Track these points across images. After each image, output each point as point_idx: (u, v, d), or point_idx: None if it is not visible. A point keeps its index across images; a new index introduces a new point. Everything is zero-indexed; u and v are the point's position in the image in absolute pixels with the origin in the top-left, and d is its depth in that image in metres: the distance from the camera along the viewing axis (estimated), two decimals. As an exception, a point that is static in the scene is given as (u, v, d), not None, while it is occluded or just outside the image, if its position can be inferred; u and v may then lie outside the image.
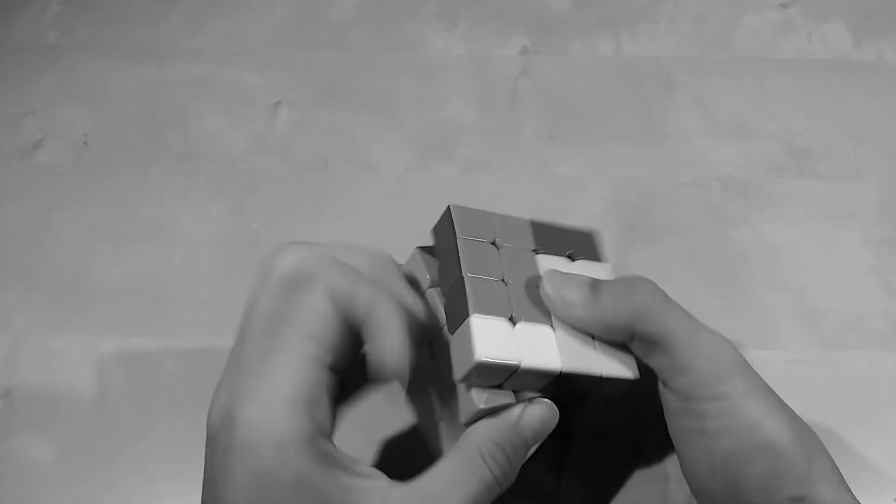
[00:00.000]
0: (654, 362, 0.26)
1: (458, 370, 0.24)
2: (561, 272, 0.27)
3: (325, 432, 0.22)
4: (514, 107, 0.48)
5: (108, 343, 0.40)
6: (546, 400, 0.26)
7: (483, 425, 0.24)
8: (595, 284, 0.27)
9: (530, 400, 0.26)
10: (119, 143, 0.47)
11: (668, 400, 0.26)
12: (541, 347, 0.25)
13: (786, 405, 0.25)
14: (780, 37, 0.50)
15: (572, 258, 0.30)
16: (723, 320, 0.40)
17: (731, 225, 0.43)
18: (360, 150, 0.46)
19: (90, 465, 0.36)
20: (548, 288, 0.26)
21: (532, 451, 0.25)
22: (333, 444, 0.22)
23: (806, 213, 0.43)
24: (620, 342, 0.27)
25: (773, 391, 0.26)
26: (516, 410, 0.25)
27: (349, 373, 0.24)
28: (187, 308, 0.41)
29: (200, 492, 0.24)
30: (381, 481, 0.22)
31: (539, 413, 0.25)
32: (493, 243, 0.28)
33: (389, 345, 0.22)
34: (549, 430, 0.26)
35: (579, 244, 0.31)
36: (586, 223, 0.43)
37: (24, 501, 0.36)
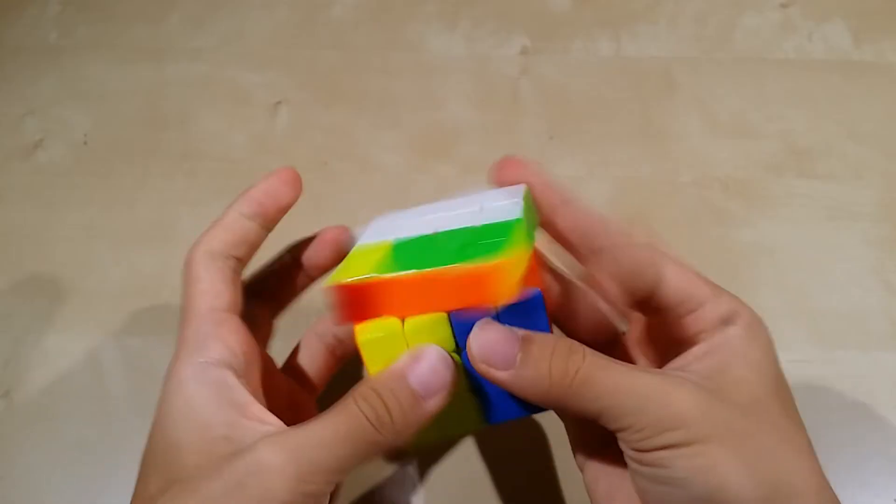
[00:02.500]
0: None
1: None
2: (493, 325, 0.24)
3: (227, 364, 0.24)
4: (514, 107, 0.48)
5: (108, 343, 0.40)
6: (434, 346, 0.24)
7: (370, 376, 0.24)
8: (526, 341, 0.23)
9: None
10: (119, 143, 0.47)
11: (621, 446, 0.24)
12: (419, 226, 0.25)
13: (763, 444, 0.23)
14: (780, 37, 0.50)
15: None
16: (723, 320, 0.40)
17: (731, 225, 0.43)
18: (360, 150, 0.46)
19: (90, 465, 0.36)
20: (473, 346, 0.23)
21: (430, 403, 0.23)
22: (244, 378, 0.25)
23: (806, 213, 0.43)
24: None
25: (753, 426, 0.23)
26: (405, 360, 0.24)
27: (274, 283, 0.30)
28: (187, 308, 0.41)
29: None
30: (265, 426, 0.23)
31: (429, 364, 0.23)
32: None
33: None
34: (443, 379, 0.23)
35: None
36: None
37: (24, 501, 0.36)
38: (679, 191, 0.44)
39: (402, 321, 0.24)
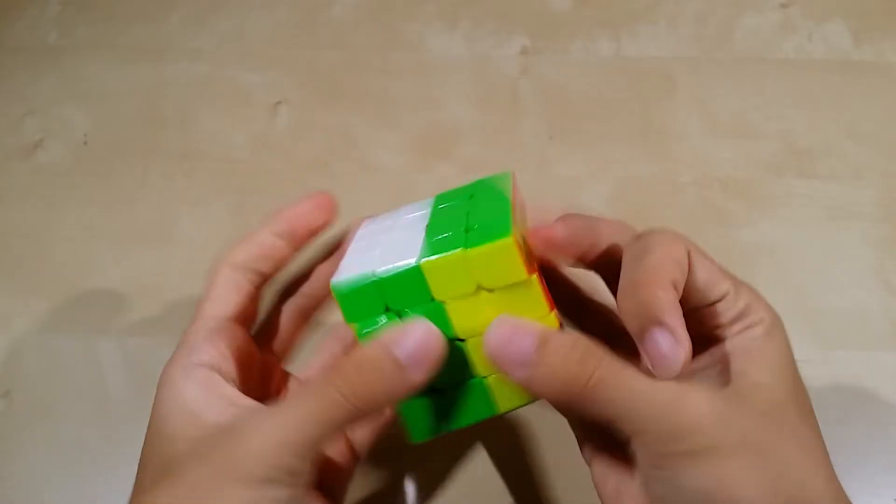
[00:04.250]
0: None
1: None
2: (510, 320, 0.23)
3: (215, 365, 0.25)
4: (514, 107, 0.48)
5: (108, 343, 0.40)
6: (422, 320, 0.24)
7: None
8: (543, 339, 0.23)
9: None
10: (119, 143, 0.47)
11: (634, 450, 0.24)
12: (399, 256, 0.24)
13: (776, 457, 0.22)
14: (780, 37, 0.50)
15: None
16: (723, 320, 0.40)
17: (731, 225, 0.43)
18: (360, 150, 0.46)
19: (90, 465, 0.36)
20: (489, 340, 0.23)
21: (416, 372, 0.23)
22: (228, 377, 0.25)
23: (806, 213, 0.43)
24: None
25: (768, 437, 0.23)
26: (388, 332, 0.23)
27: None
28: (187, 308, 0.40)
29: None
30: (246, 412, 0.24)
31: (411, 334, 0.23)
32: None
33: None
34: (432, 352, 0.23)
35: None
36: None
37: (24, 501, 0.36)
38: (679, 191, 0.44)
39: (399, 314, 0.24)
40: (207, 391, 0.24)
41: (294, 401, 0.23)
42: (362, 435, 0.29)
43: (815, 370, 0.38)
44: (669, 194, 0.44)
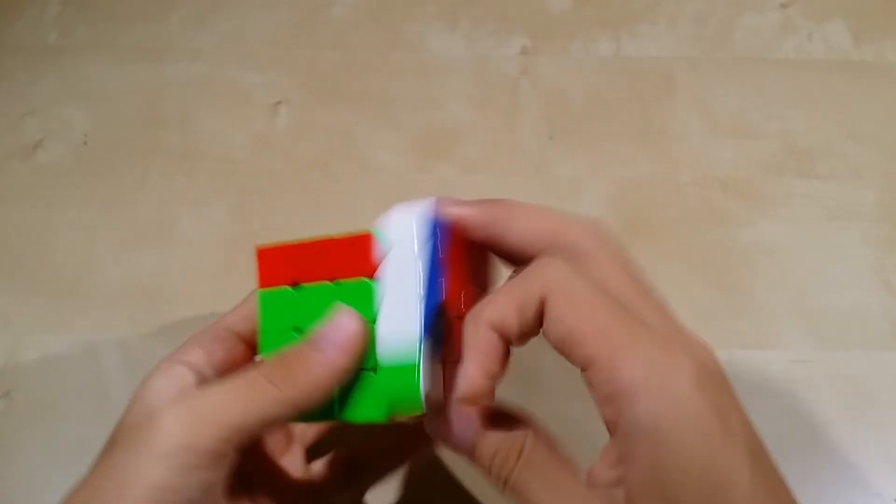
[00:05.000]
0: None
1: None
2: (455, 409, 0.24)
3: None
4: (514, 107, 0.48)
5: (108, 343, 0.40)
6: (346, 309, 0.24)
7: None
8: (479, 433, 0.24)
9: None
10: (119, 143, 0.47)
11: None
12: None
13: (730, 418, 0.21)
14: (780, 37, 0.50)
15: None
16: (723, 320, 0.40)
17: (731, 225, 0.43)
18: (360, 150, 0.46)
19: (90, 466, 0.36)
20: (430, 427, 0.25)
21: (339, 357, 0.24)
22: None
23: (806, 213, 0.43)
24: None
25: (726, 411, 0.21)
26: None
27: None
28: (187, 308, 0.41)
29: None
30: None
31: (334, 320, 0.24)
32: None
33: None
34: (352, 341, 0.24)
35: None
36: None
37: (24, 501, 0.36)
38: (679, 191, 0.44)
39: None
40: (169, 383, 0.25)
41: (222, 382, 0.24)
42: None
43: (815, 370, 0.38)
44: (669, 194, 0.44)
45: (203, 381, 0.25)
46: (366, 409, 0.25)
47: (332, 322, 0.24)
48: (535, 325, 0.23)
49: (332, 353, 0.24)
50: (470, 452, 0.24)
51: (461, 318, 0.25)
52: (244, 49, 0.51)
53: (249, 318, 0.27)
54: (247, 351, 0.28)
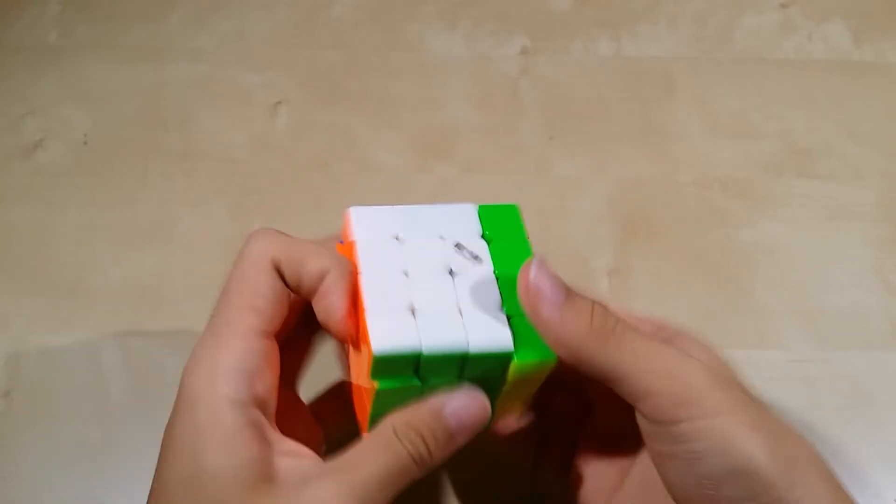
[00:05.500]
0: (616, 390, 0.25)
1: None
2: (546, 265, 0.25)
3: (260, 401, 0.24)
4: (514, 107, 0.48)
5: (108, 343, 0.40)
6: (473, 390, 0.25)
7: (403, 409, 0.25)
8: (569, 293, 0.25)
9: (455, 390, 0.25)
10: (119, 143, 0.47)
11: (640, 422, 0.25)
12: (445, 331, 0.24)
13: (769, 419, 0.24)
14: (780, 37, 0.50)
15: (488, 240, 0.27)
16: (723, 320, 0.40)
17: (731, 225, 0.43)
18: (360, 150, 0.46)
19: (90, 465, 0.36)
20: (531, 277, 0.24)
21: (461, 439, 0.25)
22: (269, 417, 0.25)
23: (806, 213, 0.43)
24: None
25: (757, 405, 0.24)
26: (440, 398, 0.25)
27: (296, 343, 0.29)
28: (187, 308, 0.41)
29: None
30: (303, 461, 0.24)
31: (462, 402, 0.25)
32: (397, 238, 0.27)
33: (330, 301, 0.25)
34: (479, 422, 0.25)
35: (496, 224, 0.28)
36: (586, 223, 0.43)
37: (24, 501, 0.36)
38: (679, 191, 0.44)
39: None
40: (254, 433, 0.24)
41: (371, 460, 0.24)
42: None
43: (815, 370, 0.38)
44: (669, 194, 0.44)
45: (271, 416, 0.25)
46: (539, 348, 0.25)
47: (467, 407, 0.25)
48: None
49: (461, 441, 0.25)
50: (560, 312, 0.24)
51: None
52: (244, 49, 0.51)
53: (272, 310, 0.26)
54: (278, 357, 0.26)
